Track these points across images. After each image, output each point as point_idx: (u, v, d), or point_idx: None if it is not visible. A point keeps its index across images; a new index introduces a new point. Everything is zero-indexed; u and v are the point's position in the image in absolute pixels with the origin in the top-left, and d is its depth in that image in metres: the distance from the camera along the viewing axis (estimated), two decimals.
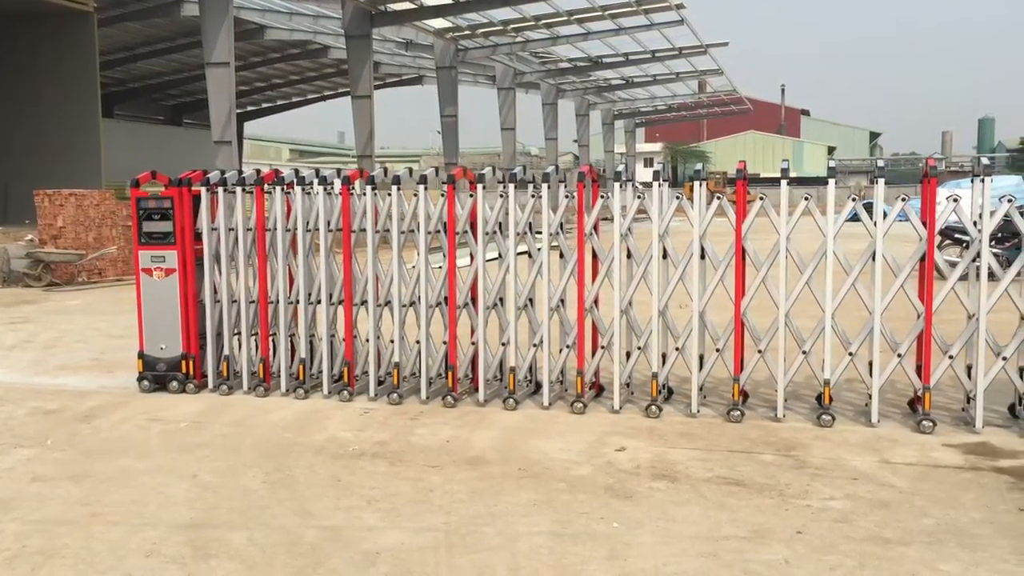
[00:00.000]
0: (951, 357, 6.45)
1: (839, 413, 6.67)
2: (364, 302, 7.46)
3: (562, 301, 7.20)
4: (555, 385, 7.26)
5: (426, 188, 7.16)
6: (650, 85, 46.83)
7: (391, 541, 4.53)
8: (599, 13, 29.32)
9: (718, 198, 6.76)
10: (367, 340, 7.45)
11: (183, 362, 7.73)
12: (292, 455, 5.98)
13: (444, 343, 7.33)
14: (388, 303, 7.44)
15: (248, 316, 7.71)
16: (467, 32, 32.11)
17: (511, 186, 7.02)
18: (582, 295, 7.00)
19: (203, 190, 7.64)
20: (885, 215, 6.48)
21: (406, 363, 7.49)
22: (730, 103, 57.55)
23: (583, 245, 6.97)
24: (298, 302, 7.58)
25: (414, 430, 6.54)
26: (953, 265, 6.58)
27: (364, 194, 7.34)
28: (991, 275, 6.29)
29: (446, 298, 7.30)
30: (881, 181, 6.44)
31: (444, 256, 7.27)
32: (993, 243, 6.41)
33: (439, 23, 30.37)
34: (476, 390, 7.27)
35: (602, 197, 6.97)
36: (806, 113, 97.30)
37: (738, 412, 6.63)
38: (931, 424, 6.28)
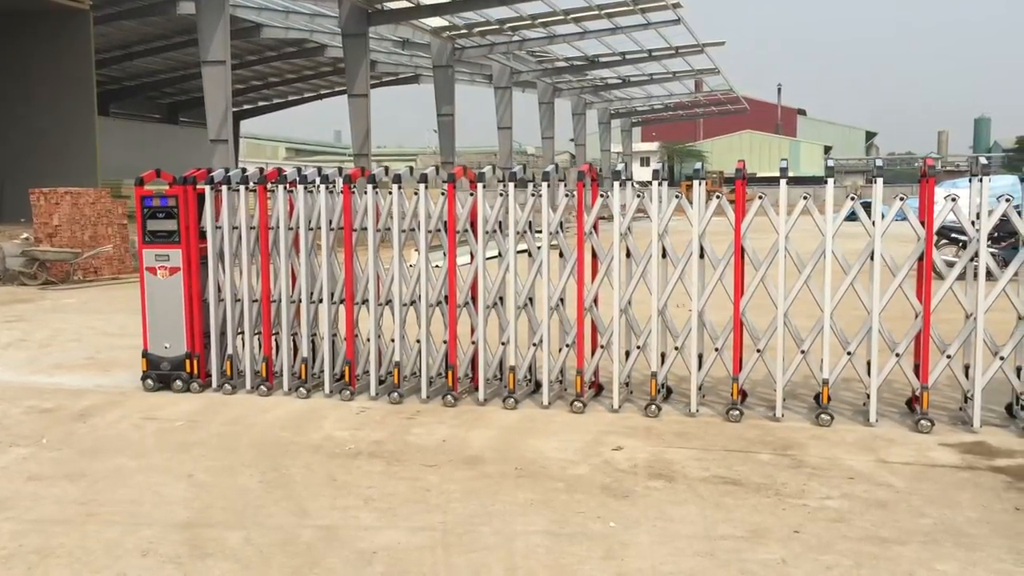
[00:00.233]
0: (949, 357, 6.45)
1: (837, 412, 6.67)
2: (365, 301, 7.45)
3: (562, 300, 7.20)
4: (555, 384, 7.26)
5: (427, 187, 7.15)
6: (647, 84, 46.83)
7: (387, 540, 4.53)
8: (596, 12, 29.31)
9: (717, 197, 6.76)
10: (368, 339, 7.44)
11: (187, 361, 7.71)
12: (288, 454, 5.97)
13: (444, 342, 7.32)
14: (389, 302, 7.43)
15: (251, 315, 7.69)
16: (464, 31, 32.09)
17: (511, 185, 7.01)
18: (582, 294, 6.99)
19: (207, 188, 7.62)
20: (882, 215, 6.49)
21: (407, 362, 7.48)
22: (726, 102, 57.59)
23: (583, 244, 6.96)
24: (300, 301, 7.56)
25: (411, 429, 6.53)
26: (951, 265, 6.58)
27: (366, 193, 7.33)
28: (988, 275, 6.29)
29: (446, 297, 7.29)
30: (879, 181, 6.44)
31: (444, 255, 7.26)
32: (989, 243, 6.42)
33: (436, 22, 30.35)
34: (476, 389, 7.27)
35: (602, 196, 6.97)
36: (802, 113, 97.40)
37: (737, 412, 6.63)
38: (929, 423, 6.29)
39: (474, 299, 7.31)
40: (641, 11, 29.37)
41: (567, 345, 7.16)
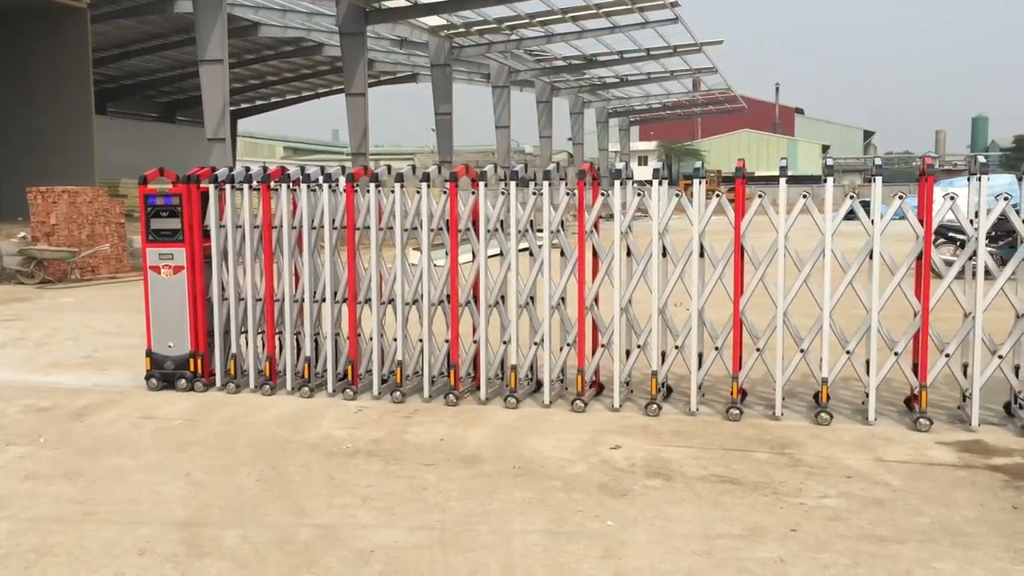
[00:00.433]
0: (947, 355, 6.45)
1: (836, 411, 6.67)
2: (368, 300, 7.45)
3: (562, 299, 7.19)
4: (556, 384, 7.25)
5: (429, 186, 7.15)
6: (644, 83, 46.83)
7: (385, 539, 4.52)
8: (594, 11, 29.32)
9: (717, 196, 6.76)
10: (371, 339, 7.44)
11: (191, 360, 7.69)
12: (286, 453, 5.96)
13: (446, 341, 7.32)
14: (391, 301, 7.42)
15: (255, 314, 7.69)
16: (461, 30, 32.08)
17: (512, 184, 7.01)
18: (583, 293, 6.99)
19: (211, 187, 7.61)
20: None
21: (409, 361, 7.47)
22: (724, 101, 57.62)
23: (583, 243, 6.96)
24: (303, 300, 7.56)
25: (408, 428, 6.53)
26: (949, 264, 6.58)
27: (368, 192, 7.32)
28: (987, 273, 6.30)
29: (448, 296, 7.29)
30: (879, 179, 6.44)
31: (446, 254, 7.26)
32: (987, 242, 6.42)
33: (433, 20, 30.33)
34: (478, 389, 7.27)
35: (602, 195, 6.97)
36: (800, 112, 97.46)
37: (737, 411, 6.63)
38: (928, 422, 6.29)
39: (476, 298, 7.31)
40: (639, 10, 29.38)
41: (568, 344, 7.16)
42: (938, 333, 6.60)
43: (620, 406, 6.93)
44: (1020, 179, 6.46)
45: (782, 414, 6.62)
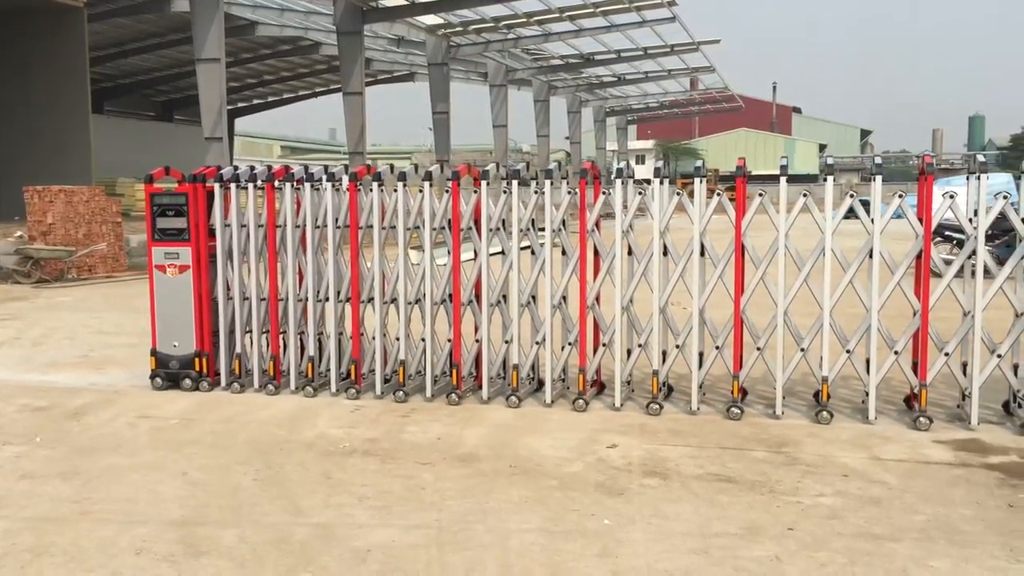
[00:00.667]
0: (947, 354, 6.45)
1: (835, 410, 6.65)
2: (371, 299, 7.43)
3: (564, 298, 7.19)
4: (557, 383, 7.24)
5: (431, 185, 7.14)
6: (642, 82, 46.77)
7: (382, 538, 4.52)
8: (591, 10, 29.27)
9: (719, 195, 6.75)
10: (373, 338, 7.42)
11: (196, 360, 7.67)
12: (283, 452, 5.96)
13: (448, 340, 7.31)
14: (394, 300, 7.41)
15: (259, 313, 7.68)
16: (459, 29, 32.03)
17: (515, 183, 7.00)
18: (584, 292, 6.98)
19: (216, 186, 7.59)
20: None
21: (411, 361, 7.46)
22: (722, 100, 57.59)
23: (585, 242, 6.95)
24: (307, 299, 7.55)
25: (405, 427, 6.53)
26: (948, 263, 6.58)
27: (371, 191, 7.31)
28: (986, 272, 6.30)
29: (450, 295, 7.28)
30: (879, 178, 6.44)
31: (449, 253, 7.25)
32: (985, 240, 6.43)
33: (431, 19, 30.28)
34: (480, 388, 7.25)
35: (604, 194, 6.96)
36: (797, 111, 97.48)
37: (738, 409, 6.63)
38: (927, 421, 6.29)
39: (478, 297, 7.30)
40: (636, 9, 29.35)
41: (569, 343, 7.15)
42: (937, 332, 6.61)
43: (621, 405, 6.92)
44: (1020, 178, 6.46)
45: (783, 413, 6.62)
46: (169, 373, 7.72)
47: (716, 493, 5.11)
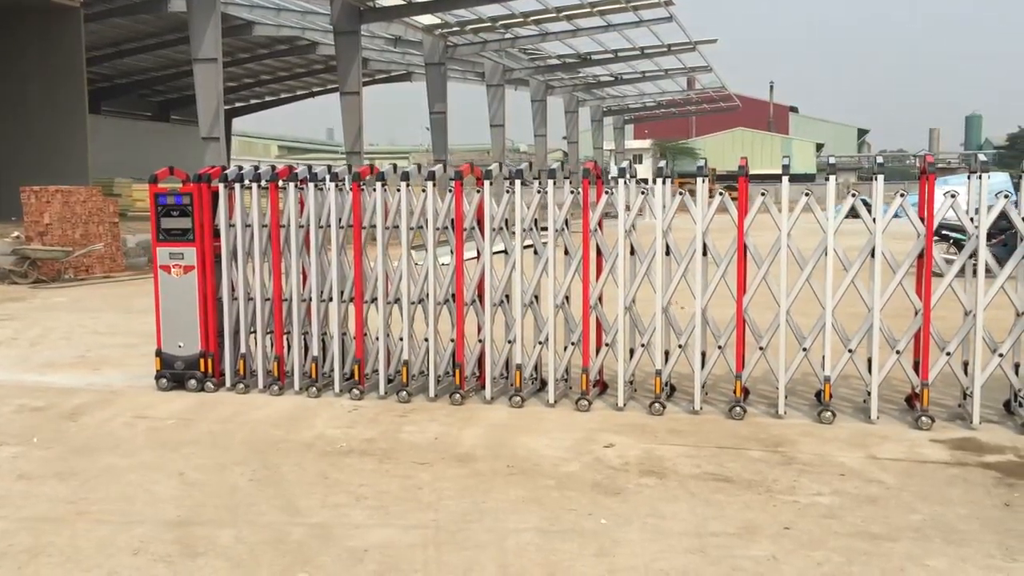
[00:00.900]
0: (948, 354, 6.45)
1: (835, 409, 6.64)
2: (374, 299, 7.43)
3: (567, 298, 7.19)
4: (560, 383, 7.23)
5: (434, 185, 7.14)
6: (639, 82, 46.77)
7: (379, 538, 4.52)
8: (588, 10, 29.27)
9: (720, 194, 6.74)
10: (377, 338, 7.42)
11: (201, 360, 7.66)
12: (280, 452, 5.96)
13: (452, 340, 7.31)
14: (397, 300, 7.41)
15: (264, 314, 7.66)
16: (456, 28, 32.03)
17: (517, 182, 7.00)
18: (587, 292, 6.98)
19: (221, 186, 7.58)
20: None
21: (414, 361, 7.45)
22: (719, 100, 57.60)
23: (588, 241, 6.95)
24: (311, 300, 7.55)
25: (403, 427, 6.53)
26: (949, 263, 6.58)
27: (374, 190, 7.30)
28: (987, 271, 6.30)
29: (453, 295, 7.28)
30: (880, 177, 6.45)
31: (451, 253, 7.24)
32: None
33: (428, 19, 30.27)
34: (483, 388, 7.25)
35: (607, 193, 6.96)
36: (794, 110, 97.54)
37: (740, 409, 6.63)
38: (929, 420, 6.29)
39: (480, 297, 7.30)
40: (633, 9, 29.35)
41: (572, 343, 7.15)
42: (938, 331, 6.61)
43: (624, 405, 6.92)
44: (1021, 177, 6.47)
45: (785, 412, 6.62)
46: (174, 374, 7.70)
47: (713, 492, 5.11)
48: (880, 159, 6.75)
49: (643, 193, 6.89)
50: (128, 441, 6.30)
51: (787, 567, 4.14)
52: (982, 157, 6.49)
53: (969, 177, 6.60)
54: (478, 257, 7.27)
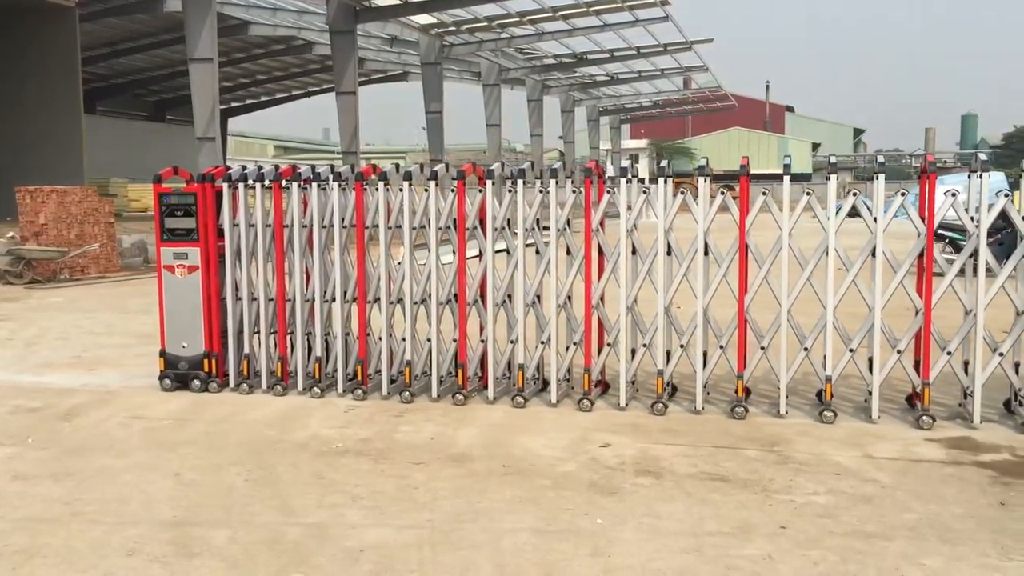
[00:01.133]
0: (949, 353, 6.46)
1: (836, 409, 6.64)
2: (377, 299, 7.43)
3: (569, 298, 7.18)
4: (562, 383, 7.22)
5: (437, 184, 7.13)
6: (635, 81, 46.79)
7: (375, 538, 4.52)
8: (584, 9, 29.28)
9: (722, 193, 6.73)
10: (380, 338, 7.41)
11: (205, 360, 7.64)
12: (275, 452, 5.95)
13: (454, 340, 7.30)
14: (400, 300, 7.40)
15: (267, 314, 7.65)
16: (452, 28, 32.02)
17: (520, 182, 7.00)
18: (589, 292, 6.98)
19: (225, 186, 7.57)
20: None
21: (417, 361, 7.45)
22: (715, 99, 57.66)
23: (590, 241, 6.95)
24: (313, 300, 7.53)
25: (399, 427, 6.52)
26: (950, 262, 6.58)
27: (377, 190, 7.30)
28: (987, 271, 6.30)
29: (455, 295, 7.28)
30: (881, 177, 6.45)
31: (453, 252, 7.24)
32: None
33: (424, 19, 30.26)
34: (485, 388, 7.25)
35: (608, 193, 6.95)
36: (791, 109, 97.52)
37: (742, 409, 6.63)
38: (930, 420, 6.28)
39: (483, 297, 7.29)
40: (629, 8, 29.36)
41: (574, 343, 7.15)
42: (938, 330, 6.62)
43: (626, 405, 6.92)
44: (1021, 176, 6.48)
45: (787, 412, 6.61)
46: (178, 374, 7.68)
47: (709, 492, 5.12)
48: (881, 158, 6.75)
49: (645, 192, 6.89)
50: (124, 441, 6.29)
51: (783, 566, 4.15)
52: (982, 156, 6.49)
53: (970, 176, 6.61)
54: (480, 256, 7.26)
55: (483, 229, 7.18)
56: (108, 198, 20.21)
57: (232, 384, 7.65)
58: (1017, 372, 6.48)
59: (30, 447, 6.18)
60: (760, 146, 77.74)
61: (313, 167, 7.66)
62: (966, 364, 6.58)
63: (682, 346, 6.88)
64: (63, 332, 10.95)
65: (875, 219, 6.42)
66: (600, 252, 7.10)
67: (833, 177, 6.67)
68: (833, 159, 6.94)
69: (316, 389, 7.44)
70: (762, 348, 6.69)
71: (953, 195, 6.34)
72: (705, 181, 6.68)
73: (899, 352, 6.49)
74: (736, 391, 6.76)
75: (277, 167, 7.73)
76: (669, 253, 6.86)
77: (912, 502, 4.92)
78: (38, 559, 4.33)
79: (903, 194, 6.57)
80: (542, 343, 7.19)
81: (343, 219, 7.39)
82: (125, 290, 15.45)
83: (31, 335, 10.81)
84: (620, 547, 4.38)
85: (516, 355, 7.17)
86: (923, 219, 6.46)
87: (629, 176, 6.87)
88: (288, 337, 7.65)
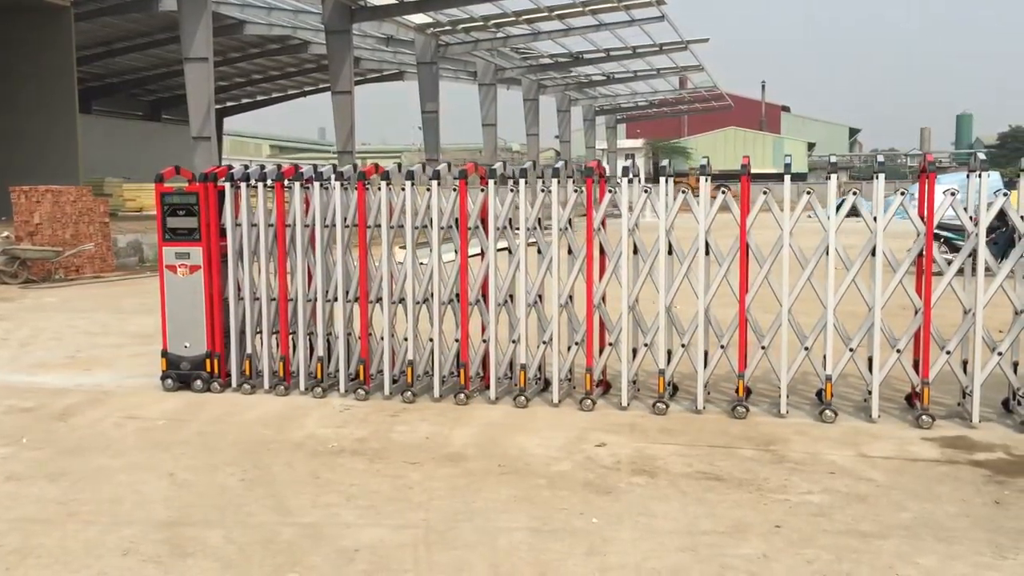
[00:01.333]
0: (948, 352, 6.46)
1: (835, 408, 6.64)
2: (379, 299, 7.42)
3: (570, 298, 7.18)
4: (563, 383, 7.21)
5: (440, 184, 7.12)
6: (631, 81, 46.79)
7: (370, 538, 4.52)
8: (580, 9, 29.26)
9: (723, 192, 6.72)
10: (382, 338, 7.41)
11: (207, 360, 7.62)
12: (270, 452, 5.94)
13: (456, 340, 7.29)
14: (402, 300, 7.40)
15: (269, 314, 7.63)
16: (448, 28, 31.99)
17: (522, 181, 6.99)
18: (591, 292, 6.97)
19: (227, 186, 7.56)
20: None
21: (419, 361, 7.44)
22: (711, 99, 57.66)
23: (592, 241, 6.94)
24: (316, 299, 7.52)
25: (394, 427, 6.52)
26: (949, 262, 6.59)
27: (379, 189, 7.29)
28: (986, 270, 6.31)
29: (457, 295, 7.27)
30: (882, 176, 6.45)
31: (455, 251, 7.23)
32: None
33: (420, 18, 30.23)
34: (487, 388, 7.24)
35: (610, 192, 6.95)
36: (786, 109, 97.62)
37: (743, 408, 6.63)
38: (930, 419, 6.28)
39: (484, 297, 7.29)
40: (625, 8, 29.36)
41: (576, 343, 7.15)
42: (937, 329, 6.62)
43: (628, 404, 6.92)
44: (1020, 174, 6.49)
45: (787, 412, 6.61)
46: (180, 374, 7.65)
47: (704, 491, 5.12)
48: (881, 158, 6.76)
49: (646, 192, 6.88)
50: (118, 441, 6.28)
51: (777, 565, 4.15)
52: (981, 156, 6.49)
53: (969, 176, 6.62)
54: (482, 255, 7.25)
55: (485, 229, 7.17)
56: (103, 198, 20.17)
57: (234, 384, 7.63)
58: (1015, 371, 6.49)
59: (24, 447, 6.17)
60: (756, 146, 77.76)
61: (315, 166, 7.65)
62: (965, 363, 6.58)
63: (683, 346, 6.88)
64: (58, 332, 10.93)
65: (875, 218, 6.42)
66: (601, 251, 7.10)
67: (834, 176, 6.67)
68: (833, 159, 6.94)
69: (318, 389, 7.43)
70: (763, 348, 6.69)
71: (952, 194, 6.34)
72: (706, 180, 6.67)
73: (899, 351, 6.49)
74: (737, 391, 6.76)
75: (279, 166, 7.71)
76: (670, 252, 6.86)
77: (907, 501, 4.92)
78: (32, 559, 4.32)
79: (903, 193, 6.58)
80: (544, 343, 7.19)
81: (345, 219, 7.38)
82: (120, 290, 15.42)
83: (25, 335, 10.79)
84: (615, 546, 4.38)
85: (518, 355, 7.17)
86: (922, 219, 6.46)
87: (631, 175, 6.87)
88: (290, 337, 7.64)
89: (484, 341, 7.28)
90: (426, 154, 33.67)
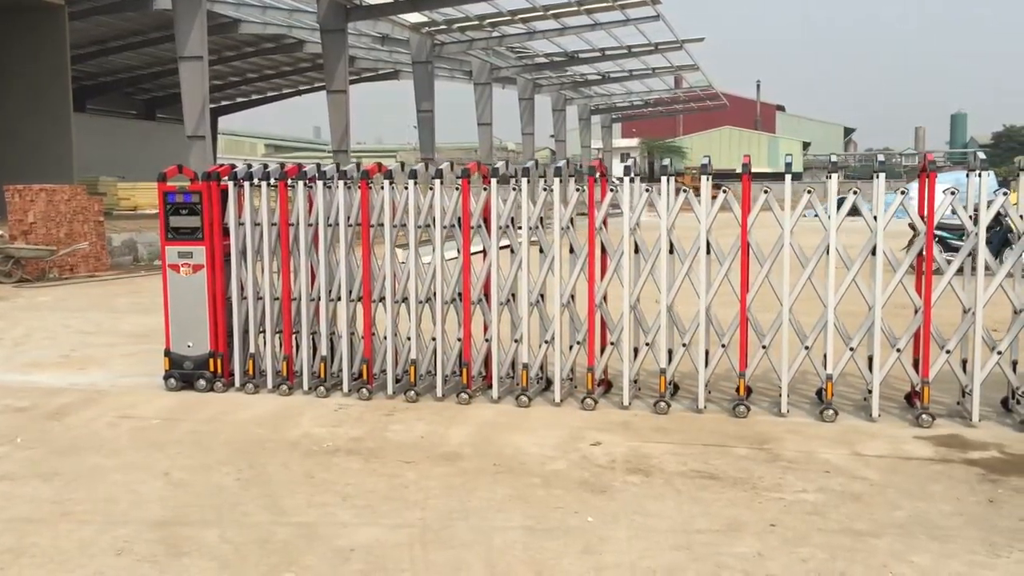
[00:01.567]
0: (948, 351, 6.47)
1: (835, 408, 6.64)
2: (382, 299, 7.41)
3: (572, 297, 7.18)
4: (565, 382, 7.21)
5: (442, 183, 7.12)
6: (626, 80, 46.82)
7: (365, 538, 4.51)
8: (575, 8, 29.30)
9: (724, 192, 6.72)
10: (385, 338, 7.40)
11: (211, 360, 7.59)
12: (266, 452, 5.94)
13: (458, 340, 7.29)
14: (405, 300, 7.39)
15: (272, 313, 7.62)
16: (443, 27, 31.99)
17: (525, 180, 6.98)
18: (593, 291, 6.97)
19: (230, 185, 7.54)
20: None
21: (422, 360, 7.43)
22: (706, 99, 57.71)
23: (594, 240, 6.94)
24: (319, 299, 7.51)
25: (389, 426, 6.52)
26: (949, 262, 6.60)
27: (382, 189, 7.28)
28: (985, 269, 6.32)
29: (460, 294, 7.27)
30: (882, 176, 6.46)
31: (458, 251, 7.23)
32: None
33: (415, 17, 30.23)
34: (489, 387, 7.24)
35: (611, 191, 6.95)
36: (781, 109, 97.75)
37: (744, 407, 6.63)
38: (930, 418, 6.30)
39: (487, 296, 7.29)
40: (620, 7, 29.39)
41: (577, 342, 7.14)
42: (937, 328, 6.63)
43: (629, 403, 6.92)
44: (1020, 175, 6.50)
45: (788, 411, 6.62)
46: (183, 374, 7.63)
47: (699, 490, 5.13)
48: (881, 157, 6.77)
49: (647, 191, 6.89)
50: (113, 441, 6.27)
51: (772, 563, 4.16)
52: (981, 155, 6.51)
53: (968, 175, 6.63)
54: (484, 255, 7.25)
55: (487, 228, 7.17)
56: (97, 197, 20.11)
57: (237, 384, 7.62)
58: (1015, 370, 6.50)
59: (18, 447, 6.16)
60: (751, 145, 77.86)
61: (318, 165, 7.64)
62: (964, 362, 6.59)
63: (684, 345, 6.88)
64: (52, 331, 10.91)
65: (875, 218, 6.43)
66: (603, 251, 7.10)
67: (834, 176, 6.68)
68: (834, 158, 6.96)
69: (321, 389, 7.42)
70: (763, 347, 6.70)
71: (953, 193, 6.35)
72: (707, 180, 6.67)
73: (899, 351, 6.50)
74: (737, 390, 6.77)
75: (283, 165, 7.70)
76: (671, 252, 6.86)
77: (901, 500, 4.94)
78: (26, 559, 4.31)
79: (903, 192, 6.59)
80: (546, 342, 7.19)
81: (348, 218, 7.37)
82: (114, 289, 15.39)
83: (19, 334, 10.76)
84: (610, 545, 4.39)
85: (520, 354, 7.17)
86: (922, 218, 6.47)
87: (632, 175, 6.87)
88: (293, 336, 7.63)
89: (486, 340, 7.28)
90: (421, 153, 33.67)
